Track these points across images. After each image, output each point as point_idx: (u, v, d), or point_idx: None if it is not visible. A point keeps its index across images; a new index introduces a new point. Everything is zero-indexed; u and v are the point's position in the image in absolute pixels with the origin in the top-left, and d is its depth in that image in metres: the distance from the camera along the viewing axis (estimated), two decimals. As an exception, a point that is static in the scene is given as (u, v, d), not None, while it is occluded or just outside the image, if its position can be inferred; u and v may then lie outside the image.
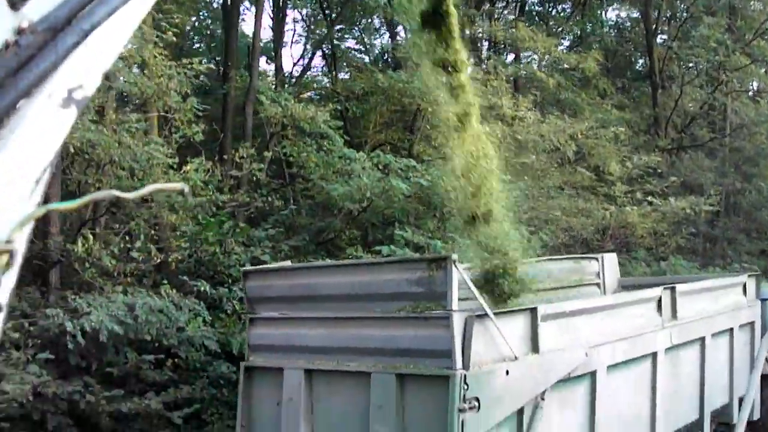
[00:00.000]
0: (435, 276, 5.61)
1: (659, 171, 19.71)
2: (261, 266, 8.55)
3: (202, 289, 10.73)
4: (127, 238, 10.87)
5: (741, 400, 9.06)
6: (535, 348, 5.87)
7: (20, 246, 1.17)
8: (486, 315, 5.49)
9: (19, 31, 1.25)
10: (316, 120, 13.57)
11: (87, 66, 1.34)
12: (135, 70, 11.63)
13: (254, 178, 13.70)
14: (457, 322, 5.33)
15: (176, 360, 10.47)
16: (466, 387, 5.21)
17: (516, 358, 5.65)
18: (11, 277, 1.17)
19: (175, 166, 11.42)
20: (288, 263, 8.42)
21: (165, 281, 10.70)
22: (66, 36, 1.28)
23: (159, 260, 10.71)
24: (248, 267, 7.60)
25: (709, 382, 8.21)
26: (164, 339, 10.15)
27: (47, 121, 1.27)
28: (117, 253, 10.43)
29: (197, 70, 11.92)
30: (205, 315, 10.61)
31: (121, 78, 10.87)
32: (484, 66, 18.15)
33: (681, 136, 24.04)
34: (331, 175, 13.69)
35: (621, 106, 22.75)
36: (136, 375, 10.28)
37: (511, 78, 17.87)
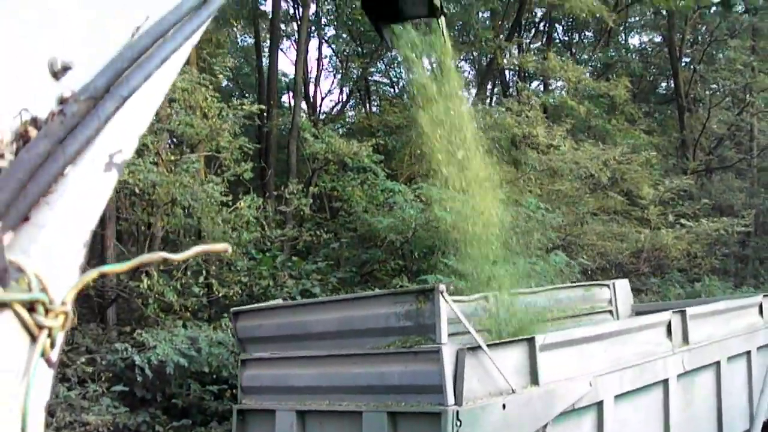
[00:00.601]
0: (423, 308, 5.40)
1: (690, 193, 19.90)
2: (251, 306, 8.43)
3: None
4: (188, 273, 11.26)
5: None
6: (534, 380, 5.60)
7: (72, 308, 1.20)
8: (479, 347, 5.24)
9: (62, 101, 1.30)
10: (359, 155, 13.96)
11: (125, 130, 1.39)
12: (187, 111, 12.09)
13: (301, 213, 14.08)
14: (448, 355, 5.11)
15: (234, 391, 10.81)
16: (458, 423, 4.97)
17: (513, 391, 5.37)
18: (61, 337, 1.21)
19: (229, 204, 11.84)
20: (278, 301, 8.35)
21: (225, 315, 11.07)
22: (106, 103, 1.33)
23: (220, 294, 11.09)
24: (239, 308, 7.63)
25: (727, 408, 7.82)
26: (223, 370, 10.53)
27: (92, 185, 1.31)
28: (179, 289, 10.82)
29: (248, 111, 12.36)
30: (262, 346, 10.93)
31: (177, 120, 11.34)
32: (515, 94, 18.51)
33: (709, 158, 24.19)
34: (374, 208, 14.04)
35: (649, 131, 22.98)
36: (198, 406, 10.65)
37: (543, 106, 18.19)
